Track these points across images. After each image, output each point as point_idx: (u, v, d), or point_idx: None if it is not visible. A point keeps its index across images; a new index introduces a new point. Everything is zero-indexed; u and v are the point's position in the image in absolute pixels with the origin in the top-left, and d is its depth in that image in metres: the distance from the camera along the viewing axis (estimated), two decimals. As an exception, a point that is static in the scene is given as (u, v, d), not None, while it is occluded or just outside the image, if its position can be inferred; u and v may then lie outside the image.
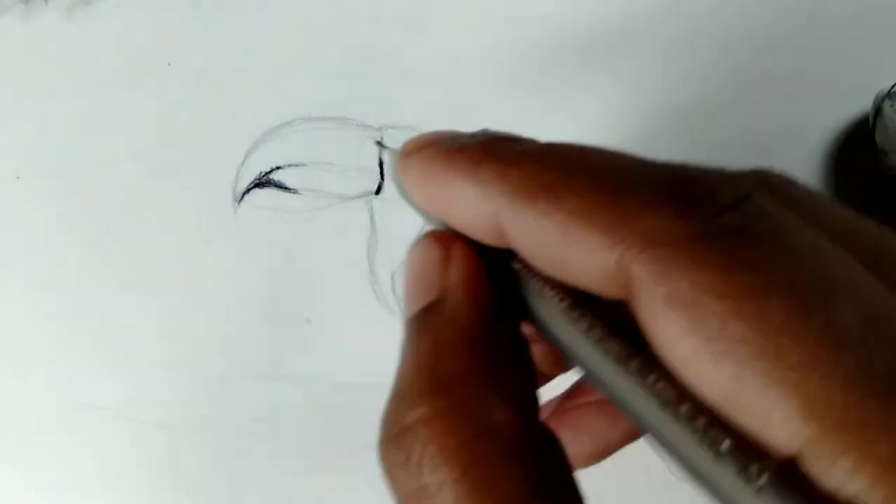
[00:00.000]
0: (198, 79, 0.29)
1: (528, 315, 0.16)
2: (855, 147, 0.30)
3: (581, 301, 0.15)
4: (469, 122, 0.30)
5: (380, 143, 0.23)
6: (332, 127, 0.29)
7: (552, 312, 0.15)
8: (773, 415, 0.11)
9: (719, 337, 0.12)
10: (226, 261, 0.29)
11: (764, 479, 0.11)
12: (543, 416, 0.20)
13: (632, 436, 0.20)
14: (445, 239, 0.17)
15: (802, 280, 0.12)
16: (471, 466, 0.13)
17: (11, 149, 0.29)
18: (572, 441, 0.20)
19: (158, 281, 0.29)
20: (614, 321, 0.14)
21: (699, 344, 0.12)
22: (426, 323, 0.16)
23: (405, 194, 0.18)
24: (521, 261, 0.16)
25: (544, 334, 0.16)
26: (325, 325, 0.29)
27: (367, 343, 0.29)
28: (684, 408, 0.12)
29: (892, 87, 0.29)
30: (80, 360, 0.28)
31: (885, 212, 0.30)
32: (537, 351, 0.17)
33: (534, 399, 0.16)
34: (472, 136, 0.17)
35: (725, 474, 0.12)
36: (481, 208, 0.15)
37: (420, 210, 0.18)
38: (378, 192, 0.29)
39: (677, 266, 0.12)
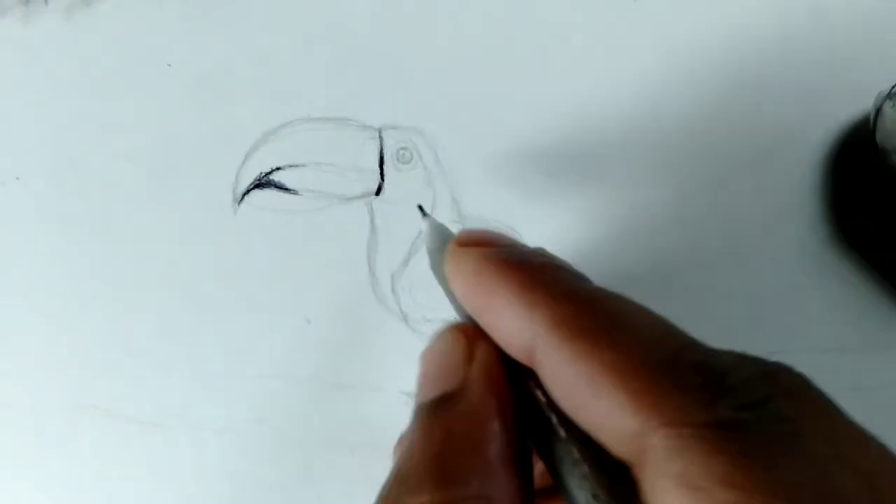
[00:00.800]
0: (198, 79, 0.29)
1: (533, 437, 0.16)
2: (855, 147, 0.30)
3: (583, 446, 0.15)
4: (469, 123, 0.30)
5: (421, 209, 0.24)
6: (332, 127, 0.29)
7: (551, 437, 0.16)
8: None
9: None
10: (226, 261, 0.29)
11: None
12: None
13: None
14: (471, 334, 0.17)
15: (807, 489, 0.12)
16: None
17: (11, 149, 0.29)
18: None
19: (158, 281, 0.29)
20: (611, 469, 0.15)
21: None
22: (441, 412, 0.16)
23: (439, 275, 0.19)
24: (534, 379, 0.16)
25: (541, 456, 0.16)
26: (325, 326, 0.29)
27: (367, 343, 0.29)
28: None
29: (893, 87, 0.28)
30: (80, 360, 0.28)
31: (885, 212, 0.30)
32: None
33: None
34: (531, 254, 0.17)
35: None
36: (521, 328, 0.16)
37: (452, 299, 0.18)
38: (378, 192, 0.29)
39: (694, 449, 0.13)
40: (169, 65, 0.29)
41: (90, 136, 0.29)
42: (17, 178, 0.29)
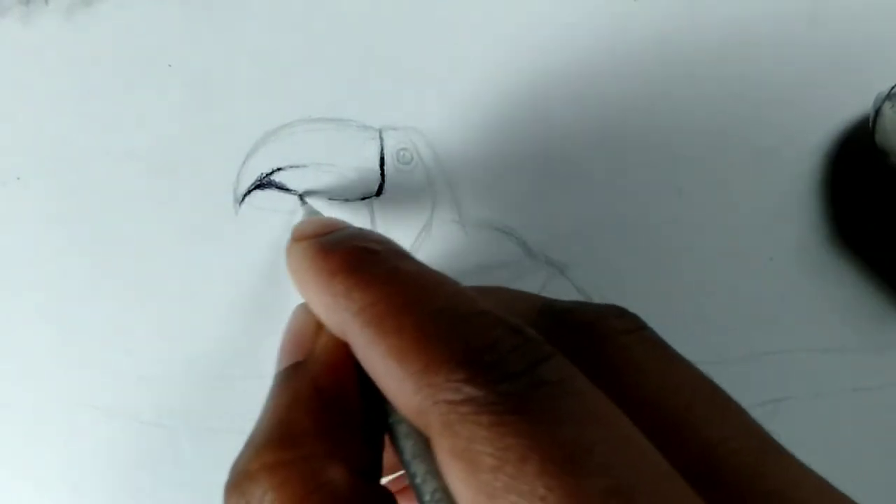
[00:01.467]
0: (198, 80, 0.29)
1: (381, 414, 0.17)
2: (855, 148, 0.30)
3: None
4: (469, 122, 0.30)
5: (301, 198, 0.26)
6: (333, 128, 0.29)
7: (391, 419, 0.17)
8: None
9: (485, 490, 0.13)
10: (227, 261, 0.29)
11: None
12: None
13: None
14: None
15: (560, 446, 0.13)
16: None
17: (11, 149, 0.29)
18: None
19: (159, 281, 0.29)
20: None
21: (471, 494, 0.13)
22: (289, 379, 0.18)
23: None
24: None
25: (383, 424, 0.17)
26: (326, 326, 0.29)
27: (368, 344, 0.29)
28: None
29: (892, 88, 0.29)
30: (80, 360, 0.28)
31: (885, 212, 0.30)
32: None
33: (377, 467, 0.17)
34: (341, 239, 0.18)
35: None
36: (332, 314, 0.17)
37: None
38: (379, 193, 0.29)
39: (459, 422, 0.14)
40: (169, 65, 0.29)
41: (90, 136, 0.29)
42: (18, 178, 0.29)
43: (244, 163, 0.29)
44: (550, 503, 0.12)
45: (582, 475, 0.13)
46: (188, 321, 0.28)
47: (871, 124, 0.29)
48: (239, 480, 0.16)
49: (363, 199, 0.29)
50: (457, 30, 0.30)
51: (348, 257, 0.17)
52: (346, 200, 0.29)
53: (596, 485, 0.13)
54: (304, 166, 0.29)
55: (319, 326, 0.18)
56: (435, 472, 0.15)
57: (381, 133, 0.29)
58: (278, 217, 0.29)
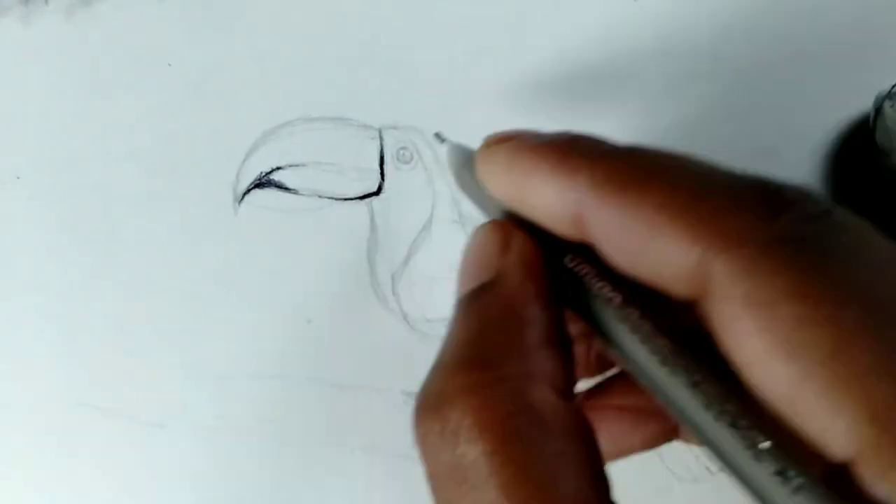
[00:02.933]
0: (198, 79, 0.29)
1: (580, 310, 0.16)
2: (855, 148, 0.30)
3: (634, 300, 0.15)
4: (469, 123, 0.30)
5: (438, 136, 0.24)
6: (332, 127, 0.29)
7: (604, 308, 0.16)
8: (834, 418, 0.11)
9: (792, 339, 0.12)
10: (226, 261, 0.29)
11: (800, 480, 0.12)
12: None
13: (648, 443, 0.21)
14: (507, 227, 0.18)
15: (878, 293, 0.12)
16: (507, 441, 0.14)
17: (12, 149, 0.29)
18: (618, 435, 0.20)
19: (159, 281, 0.29)
20: (668, 325, 0.15)
21: (771, 343, 0.12)
22: (479, 300, 0.16)
23: (466, 185, 0.19)
24: (577, 258, 0.17)
25: (595, 329, 0.16)
26: (326, 326, 0.29)
27: (368, 343, 0.29)
28: (729, 407, 0.13)
29: (893, 87, 0.29)
30: (80, 360, 0.28)
31: (885, 212, 0.30)
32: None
33: (572, 386, 0.16)
34: (557, 134, 0.17)
35: (763, 474, 0.12)
36: (564, 199, 0.16)
37: (483, 202, 0.19)
38: (378, 192, 0.29)
39: (759, 267, 0.12)
40: (169, 65, 0.29)
41: (90, 136, 0.29)
42: (18, 178, 0.29)
43: (244, 162, 0.29)
44: (880, 354, 0.11)
45: None
46: (188, 321, 0.28)
47: (871, 123, 0.29)
48: (433, 402, 0.15)
49: (363, 197, 0.29)
50: (457, 30, 0.30)
51: (575, 141, 0.16)
52: (346, 199, 0.29)
53: None
54: (304, 165, 0.29)
55: (505, 244, 0.17)
56: (681, 360, 0.14)
57: (380, 132, 0.29)
58: (278, 216, 0.29)
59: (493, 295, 0.16)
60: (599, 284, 0.16)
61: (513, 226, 0.18)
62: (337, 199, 0.29)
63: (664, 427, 0.20)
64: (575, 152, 0.16)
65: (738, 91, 0.30)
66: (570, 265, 0.17)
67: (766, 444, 0.12)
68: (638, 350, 0.15)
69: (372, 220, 0.29)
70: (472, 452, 0.14)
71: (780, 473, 0.12)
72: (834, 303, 0.12)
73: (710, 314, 0.13)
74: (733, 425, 0.13)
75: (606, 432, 0.21)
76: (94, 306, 0.28)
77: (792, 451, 0.12)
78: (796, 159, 0.30)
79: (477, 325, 0.16)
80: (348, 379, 0.29)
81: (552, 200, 0.16)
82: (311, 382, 0.29)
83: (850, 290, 0.12)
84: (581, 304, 0.16)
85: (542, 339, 0.16)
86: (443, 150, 0.22)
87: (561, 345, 0.16)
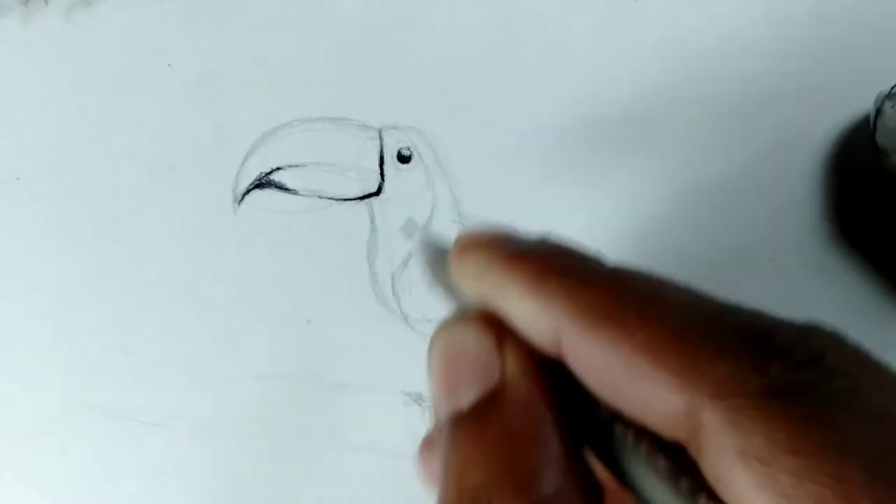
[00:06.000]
0: (198, 79, 0.29)
1: (584, 435, 0.15)
2: (856, 148, 0.30)
3: (639, 432, 0.14)
4: (469, 123, 0.30)
5: (407, 227, 0.23)
6: (332, 128, 0.29)
7: (616, 443, 0.14)
8: None
9: (794, 496, 0.11)
10: (226, 261, 0.29)
11: None
12: None
13: None
14: (495, 323, 0.15)
15: (876, 443, 0.12)
16: None
17: (11, 149, 0.29)
18: None
19: (159, 281, 0.29)
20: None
21: (770, 499, 0.12)
22: (486, 415, 0.14)
23: (438, 279, 0.17)
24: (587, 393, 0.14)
25: (600, 457, 0.14)
26: (326, 326, 0.29)
27: (367, 343, 0.29)
28: None
29: (893, 87, 0.28)
30: (80, 360, 0.28)
31: (885, 212, 0.30)
32: None
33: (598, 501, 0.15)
34: (535, 244, 0.15)
35: None
36: (542, 322, 0.14)
37: (458, 297, 0.17)
38: (378, 192, 0.29)
39: (752, 419, 0.12)
40: (169, 65, 0.29)
41: (90, 136, 0.29)
42: (18, 178, 0.29)
43: (244, 162, 0.29)
44: None
45: None
46: (188, 321, 0.28)
47: (871, 124, 0.29)
48: None
49: (363, 198, 0.29)
50: (457, 30, 0.30)
51: (557, 257, 0.15)
52: (346, 200, 0.29)
53: None
54: (304, 166, 0.29)
55: (499, 348, 0.15)
56: (690, 489, 0.13)
57: (380, 132, 0.29)
58: (278, 217, 0.29)
59: (504, 407, 0.14)
60: (621, 427, 0.14)
61: (501, 323, 0.15)
62: (337, 199, 0.29)
63: None
64: (553, 272, 0.14)
65: (739, 92, 0.30)
66: (564, 377, 0.14)
67: None
68: (637, 475, 0.14)
69: (372, 220, 0.29)
70: None
71: None
72: (833, 458, 0.11)
73: (704, 461, 0.13)
74: None
75: None
76: (94, 306, 0.28)
77: None
78: (797, 159, 0.30)
79: (495, 443, 0.14)
80: (348, 379, 0.29)
81: (529, 322, 0.14)
82: (311, 382, 0.29)
83: (849, 440, 0.12)
84: (583, 429, 0.15)
85: (565, 452, 0.14)
86: (417, 242, 0.20)
87: (583, 467, 0.14)
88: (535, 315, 0.14)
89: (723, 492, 0.12)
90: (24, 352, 0.28)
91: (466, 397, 0.14)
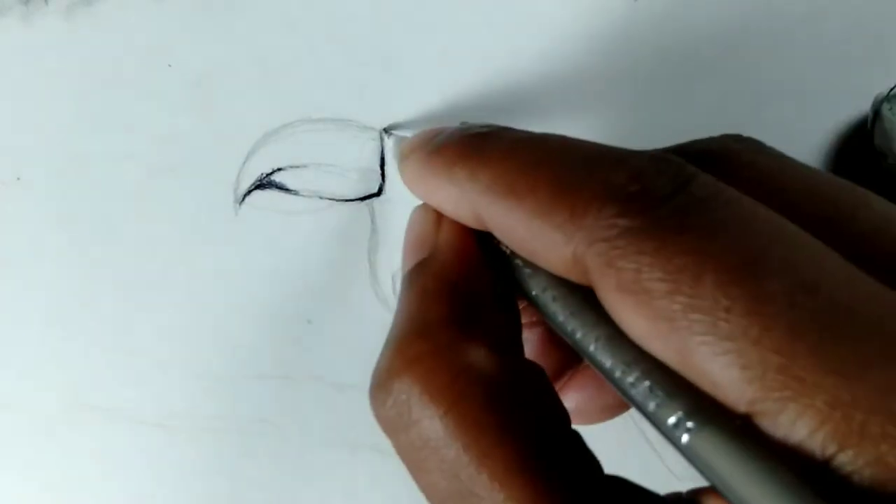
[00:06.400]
0: (198, 80, 0.29)
1: (518, 289, 0.18)
2: (853, 150, 0.30)
3: (551, 276, 0.17)
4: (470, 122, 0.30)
5: (386, 131, 0.27)
6: (334, 128, 0.29)
7: (532, 287, 0.17)
8: (720, 382, 0.12)
9: (663, 316, 0.13)
10: (227, 262, 0.29)
11: (690, 424, 0.13)
12: (570, 374, 0.23)
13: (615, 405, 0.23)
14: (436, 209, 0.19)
15: (732, 254, 0.13)
16: (455, 403, 0.15)
17: (11, 149, 0.29)
18: (598, 392, 0.22)
19: (159, 281, 0.29)
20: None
21: (648, 323, 0.13)
22: (416, 277, 0.18)
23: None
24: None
25: (531, 305, 0.18)
26: (327, 326, 0.29)
27: (368, 344, 0.28)
28: (630, 369, 0.14)
29: (891, 90, 0.29)
30: (80, 360, 0.28)
31: (882, 214, 0.30)
32: None
33: (517, 344, 0.18)
34: (449, 136, 0.19)
35: (664, 424, 0.14)
36: (461, 204, 0.17)
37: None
38: (379, 193, 0.29)
39: (622, 256, 0.14)
40: (169, 65, 0.29)
41: (90, 136, 0.29)
42: (18, 178, 0.29)
43: (244, 163, 0.29)
44: (736, 311, 0.12)
45: (763, 277, 0.12)
46: (188, 321, 0.29)
47: (869, 126, 0.29)
48: (383, 381, 0.16)
49: (363, 199, 0.29)
50: (457, 30, 0.30)
51: (461, 146, 0.18)
52: (347, 200, 0.29)
53: (780, 284, 0.12)
54: (305, 166, 0.29)
55: (437, 223, 0.19)
56: (593, 321, 0.15)
57: (381, 133, 0.29)
58: (278, 217, 0.29)
59: (429, 268, 0.18)
60: (517, 262, 0.18)
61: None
62: (338, 200, 0.29)
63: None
64: (461, 158, 0.17)
65: (737, 93, 0.30)
66: (501, 247, 0.18)
67: (659, 394, 0.13)
68: (550, 308, 0.16)
69: (373, 221, 0.29)
70: (426, 416, 0.15)
71: (676, 424, 0.13)
72: (690, 274, 0.13)
73: (600, 300, 0.15)
74: (633, 383, 0.14)
75: (585, 393, 0.22)
76: (94, 306, 0.28)
77: (698, 402, 0.13)
78: (795, 161, 0.30)
79: (416, 298, 0.17)
80: (348, 379, 0.29)
81: (452, 206, 0.18)
82: (311, 382, 0.29)
83: (702, 258, 0.13)
84: (517, 285, 0.18)
85: (477, 303, 0.17)
86: (389, 143, 0.24)
87: (497, 310, 0.17)
88: (454, 198, 0.18)
89: (619, 322, 0.14)
90: (24, 352, 0.28)
91: (409, 264, 0.19)
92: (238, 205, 0.29)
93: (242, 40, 0.29)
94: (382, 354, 0.17)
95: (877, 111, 0.29)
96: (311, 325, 0.29)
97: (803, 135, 0.30)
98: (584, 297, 0.16)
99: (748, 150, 0.17)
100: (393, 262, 0.29)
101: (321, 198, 0.29)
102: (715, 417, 0.13)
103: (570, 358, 0.23)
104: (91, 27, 0.29)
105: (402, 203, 0.29)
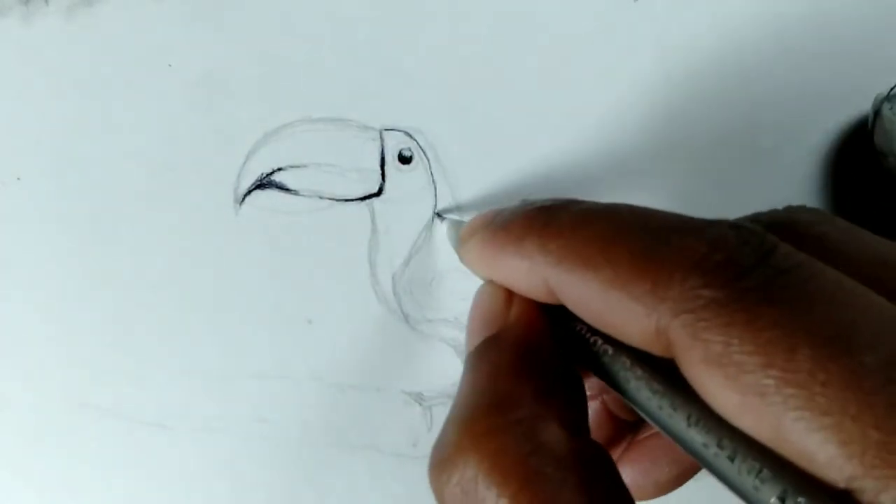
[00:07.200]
0: (198, 80, 0.29)
1: (590, 365, 0.18)
2: (853, 150, 0.30)
3: (632, 353, 0.16)
4: (469, 123, 0.30)
5: (439, 215, 0.28)
6: (333, 128, 0.29)
7: (607, 362, 0.17)
8: (817, 457, 0.12)
9: (755, 391, 0.13)
10: (227, 261, 0.29)
11: (801, 500, 0.12)
12: (624, 447, 0.22)
13: (679, 475, 0.22)
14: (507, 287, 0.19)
15: (824, 327, 0.13)
16: (527, 482, 0.14)
17: (11, 149, 0.29)
18: (653, 467, 0.22)
19: (159, 281, 0.29)
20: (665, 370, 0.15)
21: (738, 398, 0.13)
22: (485, 353, 0.18)
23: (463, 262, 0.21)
24: (575, 318, 0.17)
25: (606, 382, 0.17)
26: (326, 326, 0.29)
27: (368, 344, 0.29)
28: (725, 441, 0.14)
29: (891, 89, 0.29)
30: (80, 360, 0.28)
31: (883, 214, 0.30)
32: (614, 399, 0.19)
33: (584, 423, 0.17)
34: (513, 212, 0.19)
35: (765, 499, 0.13)
36: (531, 277, 0.17)
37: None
38: (379, 193, 0.29)
39: (709, 328, 0.13)
40: (170, 65, 0.29)
41: (90, 136, 0.29)
42: (18, 179, 0.29)
43: (245, 163, 0.29)
44: (833, 386, 0.12)
45: (856, 351, 0.12)
46: (188, 321, 0.28)
47: (869, 126, 0.29)
48: (448, 455, 0.15)
49: (363, 199, 0.29)
50: (457, 30, 0.30)
51: (529, 219, 0.18)
52: (347, 200, 0.29)
53: (874, 358, 0.12)
54: (305, 166, 0.29)
55: (507, 300, 0.19)
56: (683, 399, 0.15)
57: (381, 133, 0.29)
58: (279, 217, 0.29)
59: (501, 345, 0.18)
60: (594, 339, 0.17)
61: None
62: (338, 200, 0.29)
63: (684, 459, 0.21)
64: (529, 233, 0.17)
65: (738, 93, 0.30)
66: (574, 323, 0.18)
67: (763, 472, 0.13)
68: (630, 385, 0.16)
69: (373, 220, 0.29)
70: (491, 498, 0.14)
71: (782, 499, 0.13)
72: (783, 348, 0.13)
73: (684, 372, 0.14)
74: (731, 458, 0.13)
75: (667, 456, 0.22)
76: (94, 306, 0.28)
77: (796, 478, 0.13)
78: (795, 161, 0.30)
79: (485, 376, 0.17)
80: (348, 379, 0.29)
81: (523, 281, 0.18)
82: (311, 382, 0.29)
83: (795, 331, 0.13)
84: (589, 361, 0.17)
85: (549, 383, 0.16)
86: (442, 228, 0.25)
87: (568, 387, 0.17)
88: (525, 273, 0.17)
89: (704, 396, 0.14)
90: (24, 352, 0.28)
91: (476, 340, 0.18)
92: (238, 205, 0.29)
93: (242, 40, 0.29)
94: (446, 430, 0.16)
95: (877, 111, 0.29)
96: (312, 325, 0.29)
97: (804, 135, 0.30)
98: (670, 374, 0.15)
99: (819, 221, 0.17)
100: (393, 262, 0.29)
101: (321, 198, 0.29)
102: (818, 495, 0.12)
103: (623, 431, 0.22)
104: (91, 27, 0.29)
105: (403, 203, 0.29)
